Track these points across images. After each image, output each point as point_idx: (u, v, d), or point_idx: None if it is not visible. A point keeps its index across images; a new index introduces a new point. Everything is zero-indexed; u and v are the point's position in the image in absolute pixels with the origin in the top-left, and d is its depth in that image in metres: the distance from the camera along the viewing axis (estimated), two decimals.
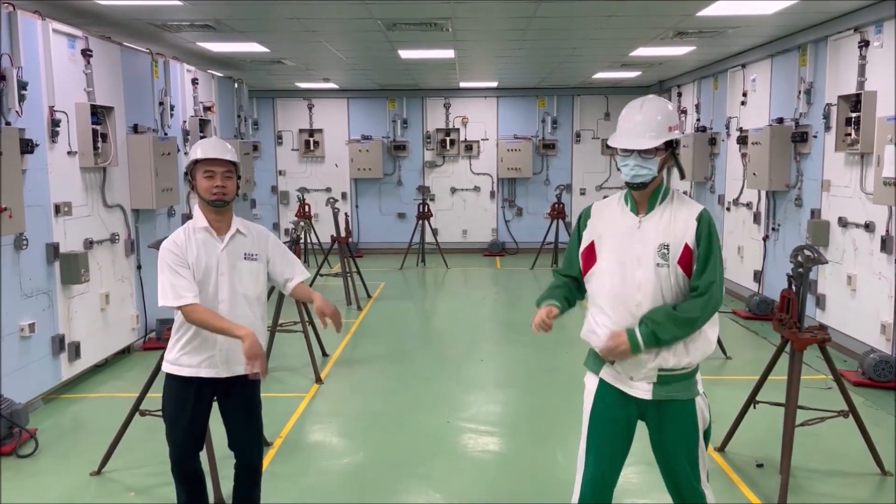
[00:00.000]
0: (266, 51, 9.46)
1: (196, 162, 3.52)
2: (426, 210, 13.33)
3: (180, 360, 3.59)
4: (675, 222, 2.97)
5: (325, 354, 7.55)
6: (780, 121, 8.66)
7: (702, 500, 3.08)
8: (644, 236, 2.99)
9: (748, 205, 9.79)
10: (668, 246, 2.95)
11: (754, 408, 4.87)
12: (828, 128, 7.66)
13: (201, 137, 9.36)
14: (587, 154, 14.91)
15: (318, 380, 6.70)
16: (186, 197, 9.01)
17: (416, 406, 6.14)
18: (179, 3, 6.58)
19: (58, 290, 6.30)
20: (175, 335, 3.61)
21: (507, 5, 6.94)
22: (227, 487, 4.04)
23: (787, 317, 4.44)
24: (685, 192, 12.48)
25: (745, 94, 9.88)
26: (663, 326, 2.88)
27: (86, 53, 6.74)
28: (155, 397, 4.61)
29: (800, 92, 8.22)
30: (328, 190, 14.91)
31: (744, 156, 9.58)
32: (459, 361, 7.43)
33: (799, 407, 4.46)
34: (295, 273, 3.75)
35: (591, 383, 3.16)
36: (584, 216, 3.18)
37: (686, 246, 2.94)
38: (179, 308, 3.45)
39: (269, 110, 15.00)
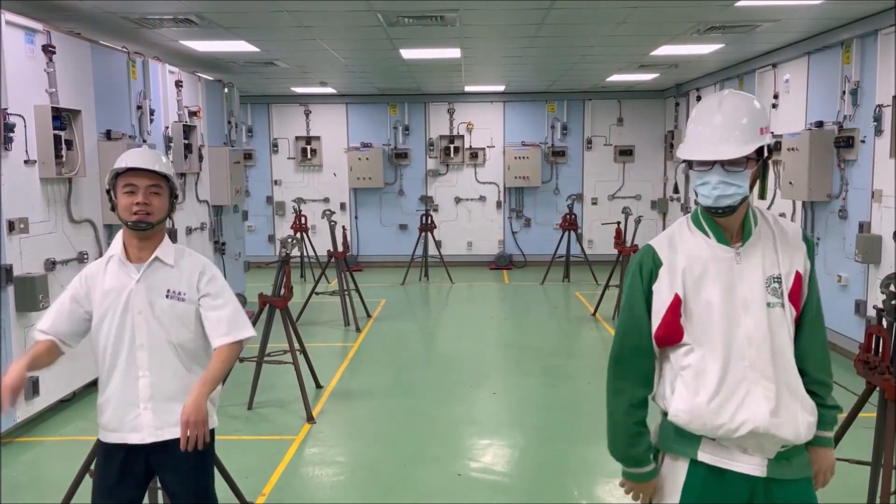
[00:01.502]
0: (256, 50, 8.71)
1: (117, 175, 2.82)
2: (429, 221, 12.53)
3: (102, 420, 2.94)
4: (782, 246, 2.28)
5: (318, 386, 6.75)
6: (820, 124, 7.87)
7: None
8: (747, 271, 2.24)
9: (782, 216, 8.97)
10: (779, 278, 2.25)
11: None
12: (879, 132, 6.88)
13: (186, 145, 8.61)
14: (599, 162, 14.13)
15: (310, 418, 5.89)
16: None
17: (422, 453, 5.33)
18: None
19: (11, 319, 5.50)
20: (101, 386, 2.96)
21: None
22: None
23: (877, 360, 3.65)
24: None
25: (776, 97, 9.11)
26: (830, 387, 2.36)
27: (48, 50, 5.97)
28: None
29: (844, 92, 7.45)
30: (326, 200, 14.15)
31: (776, 163, 8.80)
32: (469, 395, 6.63)
33: None
34: (227, 330, 2.89)
35: (676, 471, 2.33)
36: (648, 264, 2.33)
37: (797, 275, 2.28)
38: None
39: (264, 117, 14.27)
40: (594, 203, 14.15)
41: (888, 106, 6.70)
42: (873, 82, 7.02)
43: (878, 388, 3.67)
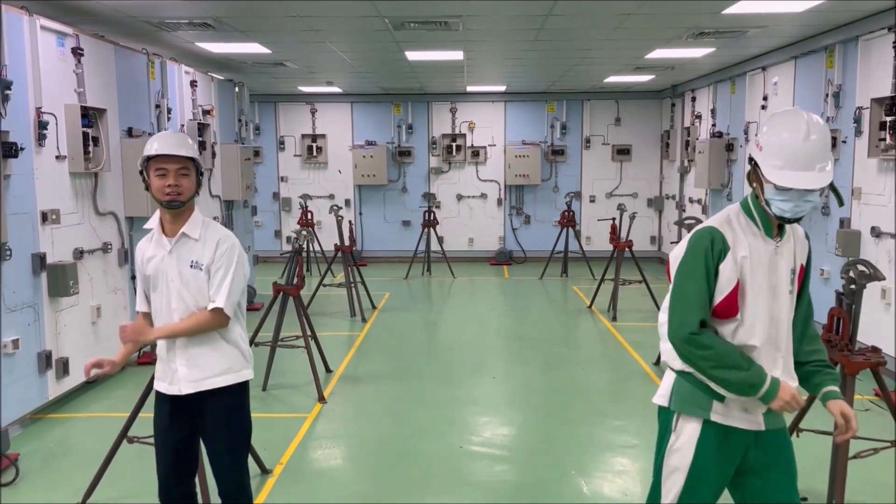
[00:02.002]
0: (267, 52, 9.11)
1: (149, 159, 3.21)
2: (432, 218, 12.94)
3: (155, 372, 3.41)
4: (798, 244, 2.75)
5: (328, 370, 7.16)
6: None
7: None
8: (781, 262, 2.67)
9: None
10: (794, 270, 2.73)
11: (797, 436, 4.46)
12: (859, 132, 7.27)
13: (200, 142, 9.01)
14: (597, 160, 14.53)
15: (322, 398, 6.30)
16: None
17: (426, 429, 5.74)
18: None
19: (44, 304, 5.91)
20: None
21: (521, 3, 6.57)
22: None
23: (838, 338, 4.05)
24: (698, 201, 12.21)
25: (765, 98, 9.49)
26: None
27: (76, 52, 6.37)
28: (146, 418, 4.27)
29: (827, 95, 7.84)
30: (331, 197, 14.56)
31: None
32: (469, 379, 7.04)
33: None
34: (218, 296, 3.24)
35: (691, 430, 2.69)
36: (717, 243, 2.61)
37: (801, 267, 2.77)
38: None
39: (271, 115, 14.67)
40: (592, 201, 14.54)
41: (867, 108, 7.08)
42: (854, 85, 7.41)
43: (838, 364, 4.07)
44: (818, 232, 8.13)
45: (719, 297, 2.61)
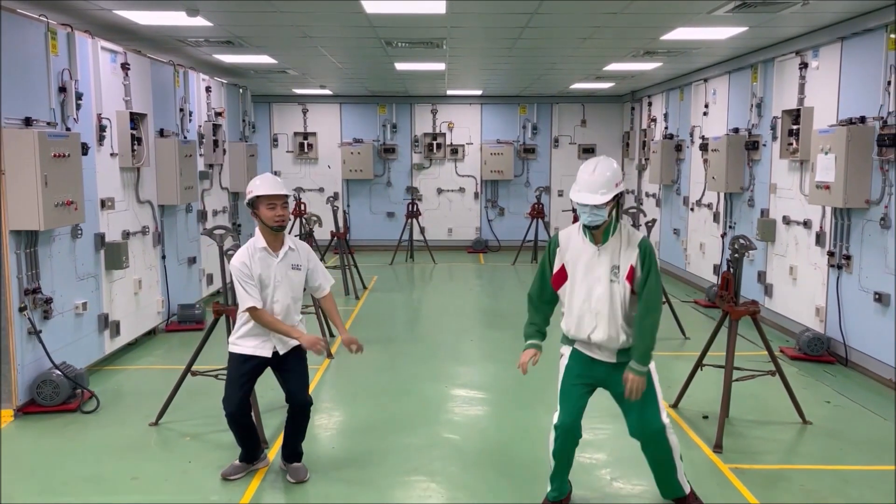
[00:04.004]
0: (274, 62, 10.36)
1: (259, 196, 4.48)
2: (414, 209, 14.26)
3: (242, 343, 4.65)
4: (624, 249, 3.95)
5: (332, 335, 8.47)
6: (736, 130, 9.74)
7: (662, 427, 4.02)
8: (602, 261, 3.95)
9: (709, 205, 10.87)
10: (618, 267, 3.94)
11: (701, 370, 5.90)
12: (774, 138, 8.74)
13: (214, 141, 10.26)
14: (565, 158, 15.96)
15: (330, 355, 7.63)
16: (201, 195, 9.90)
17: (417, 377, 7.10)
18: (209, 24, 7.49)
19: (102, 275, 7.17)
20: (240, 323, 4.68)
21: (494, 30, 7.93)
22: (269, 431, 5.01)
23: (727, 293, 5.47)
24: (653, 195, 13.67)
25: (706, 106, 10.96)
26: (647, 344, 3.89)
27: (124, 66, 7.62)
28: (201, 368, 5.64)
29: (752, 105, 9.31)
30: (321, 190, 15.81)
31: (705, 161, 10.65)
32: (451, 342, 8.40)
33: (735, 368, 5.50)
34: (325, 282, 4.82)
35: (566, 351, 4.18)
36: (553, 244, 4.07)
37: (631, 266, 3.93)
38: (247, 310, 4.50)
39: (266, 114, 15.86)
40: (560, 195, 15.97)
41: (780, 118, 8.55)
42: (771, 98, 8.89)
43: (728, 313, 5.50)
44: (745, 221, 9.61)
45: (555, 270, 4.02)
